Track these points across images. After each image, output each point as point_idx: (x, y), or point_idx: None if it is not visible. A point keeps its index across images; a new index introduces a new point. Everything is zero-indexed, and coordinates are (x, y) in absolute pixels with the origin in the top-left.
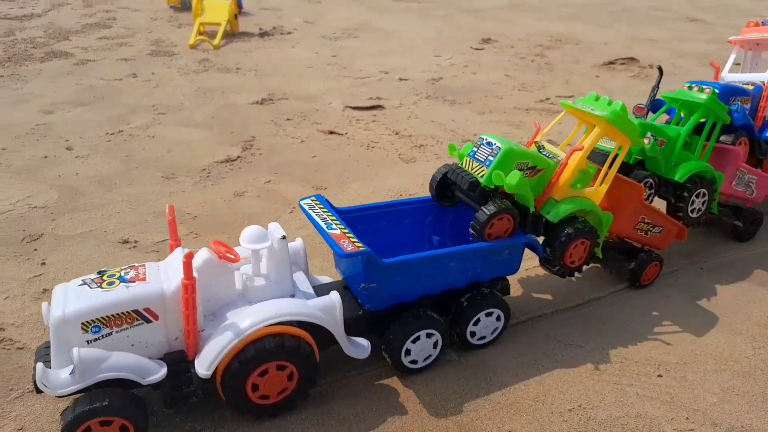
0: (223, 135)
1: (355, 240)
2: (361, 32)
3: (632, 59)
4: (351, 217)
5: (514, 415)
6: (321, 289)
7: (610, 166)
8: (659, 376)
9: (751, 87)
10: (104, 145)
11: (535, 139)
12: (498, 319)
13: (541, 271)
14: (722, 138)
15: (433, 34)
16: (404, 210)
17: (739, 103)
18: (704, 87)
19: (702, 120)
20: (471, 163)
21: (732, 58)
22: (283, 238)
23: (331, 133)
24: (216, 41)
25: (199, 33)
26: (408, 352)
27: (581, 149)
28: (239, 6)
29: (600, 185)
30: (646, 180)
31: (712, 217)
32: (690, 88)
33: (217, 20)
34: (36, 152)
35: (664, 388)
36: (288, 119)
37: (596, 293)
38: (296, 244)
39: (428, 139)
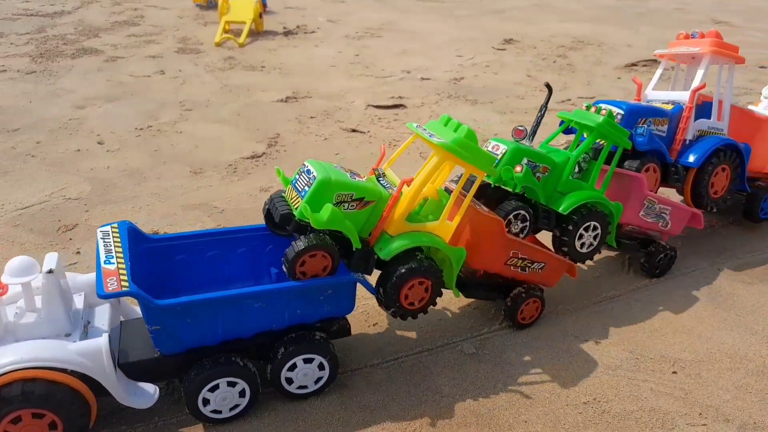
0: (249, 132)
1: (124, 278)
2: (384, 32)
3: (655, 61)
4: (169, 246)
5: (530, 407)
6: (128, 325)
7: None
8: (674, 372)
9: (670, 107)
10: (134, 140)
11: (378, 166)
12: (321, 367)
13: None
14: (627, 164)
15: (456, 35)
16: (237, 238)
17: (652, 125)
18: (603, 107)
19: (601, 143)
20: (292, 192)
21: (658, 73)
22: (50, 271)
23: (354, 131)
24: (241, 39)
25: (225, 31)
26: (206, 401)
27: (414, 181)
28: (264, 5)
29: (450, 218)
30: (518, 212)
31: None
32: (588, 108)
33: (242, 19)
34: (69, 146)
35: (679, 384)
36: (312, 117)
37: (615, 290)
38: None
39: None
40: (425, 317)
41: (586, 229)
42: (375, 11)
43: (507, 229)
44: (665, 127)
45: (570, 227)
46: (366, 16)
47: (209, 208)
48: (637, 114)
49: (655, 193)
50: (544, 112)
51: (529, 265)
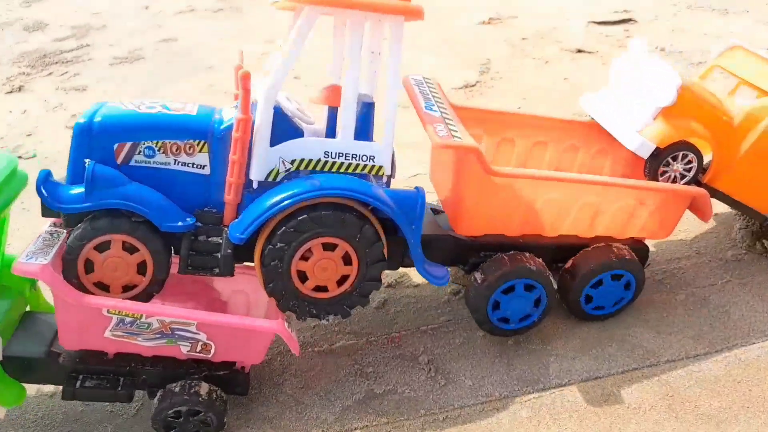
0: (454, 58)
1: None
2: None
3: None
4: None
5: None
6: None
7: None
8: None
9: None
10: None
11: None
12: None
13: None
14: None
15: None
16: None
17: (157, 153)
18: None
19: None
20: None
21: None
22: None
23: (580, 51)
24: None
25: None
26: None
27: None
28: None
29: None
30: None
31: None
32: None
33: None
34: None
35: None
36: (524, 39)
37: None
38: None
39: (706, 56)
40: None
41: None
42: None
43: None
44: (205, 158)
45: None
46: None
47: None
48: (109, 133)
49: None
50: None
51: None
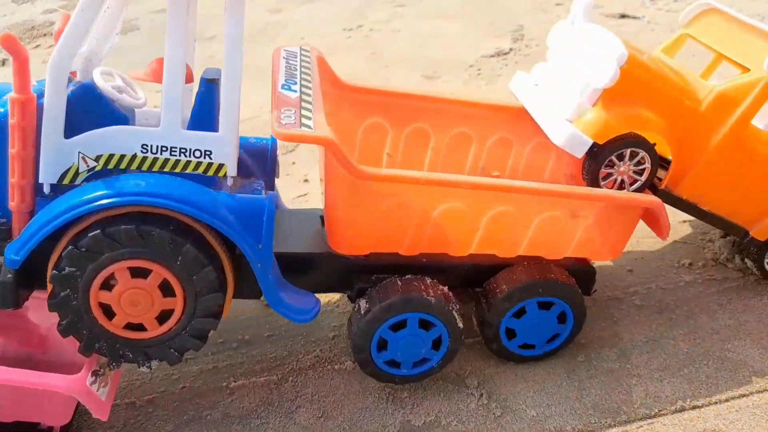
0: (483, 25)
1: None
2: None
3: None
4: None
5: None
6: None
7: None
8: None
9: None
10: (345, 42)
11: None
12: None
13: None
14: None
15: None
16: None
17: None
18: None
19: None
20: None
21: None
22: None
23: (623, 17)
24: None
25: None
26: None
27: None
28: None
29: None
30: None
31: None
32: None
33: None
34: (271, 53)
35: None
36: (558, 4)
37: None
38: None
39: (766, 19)
40: None
41: None
42: None
43: None
44: None
45: None
46: None
47: None
48: None
49: None
50: None
51: None
